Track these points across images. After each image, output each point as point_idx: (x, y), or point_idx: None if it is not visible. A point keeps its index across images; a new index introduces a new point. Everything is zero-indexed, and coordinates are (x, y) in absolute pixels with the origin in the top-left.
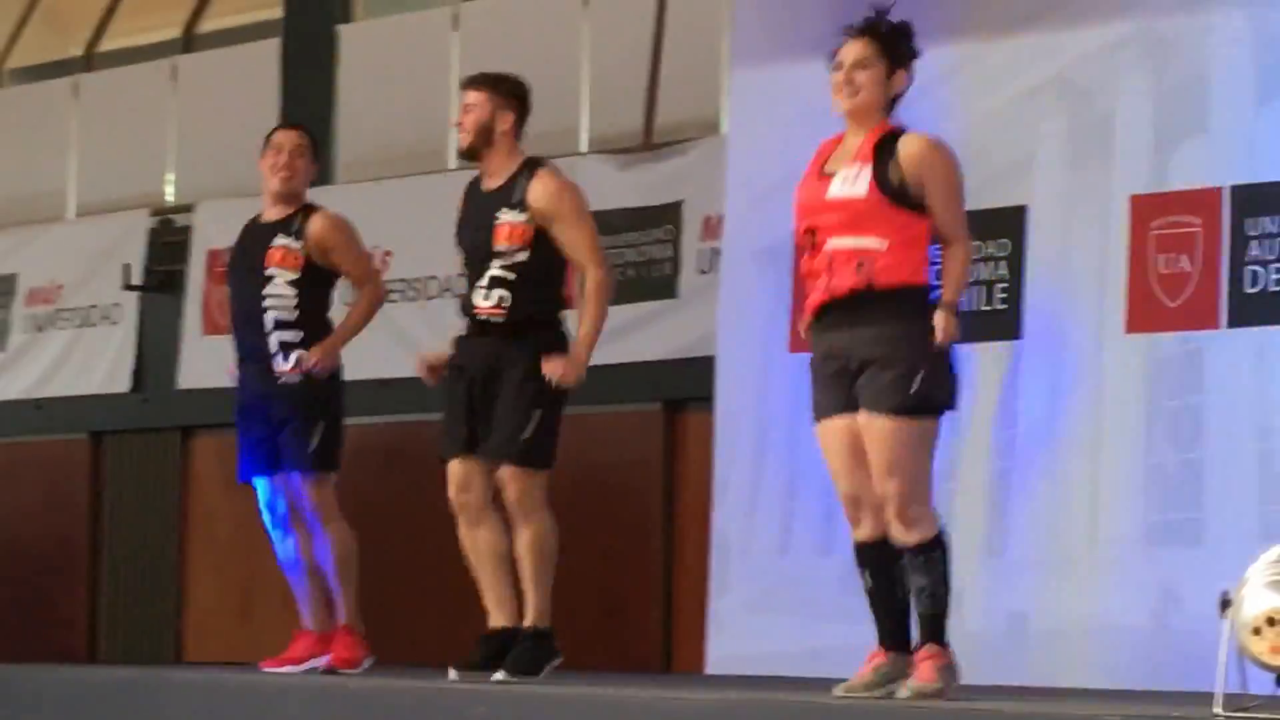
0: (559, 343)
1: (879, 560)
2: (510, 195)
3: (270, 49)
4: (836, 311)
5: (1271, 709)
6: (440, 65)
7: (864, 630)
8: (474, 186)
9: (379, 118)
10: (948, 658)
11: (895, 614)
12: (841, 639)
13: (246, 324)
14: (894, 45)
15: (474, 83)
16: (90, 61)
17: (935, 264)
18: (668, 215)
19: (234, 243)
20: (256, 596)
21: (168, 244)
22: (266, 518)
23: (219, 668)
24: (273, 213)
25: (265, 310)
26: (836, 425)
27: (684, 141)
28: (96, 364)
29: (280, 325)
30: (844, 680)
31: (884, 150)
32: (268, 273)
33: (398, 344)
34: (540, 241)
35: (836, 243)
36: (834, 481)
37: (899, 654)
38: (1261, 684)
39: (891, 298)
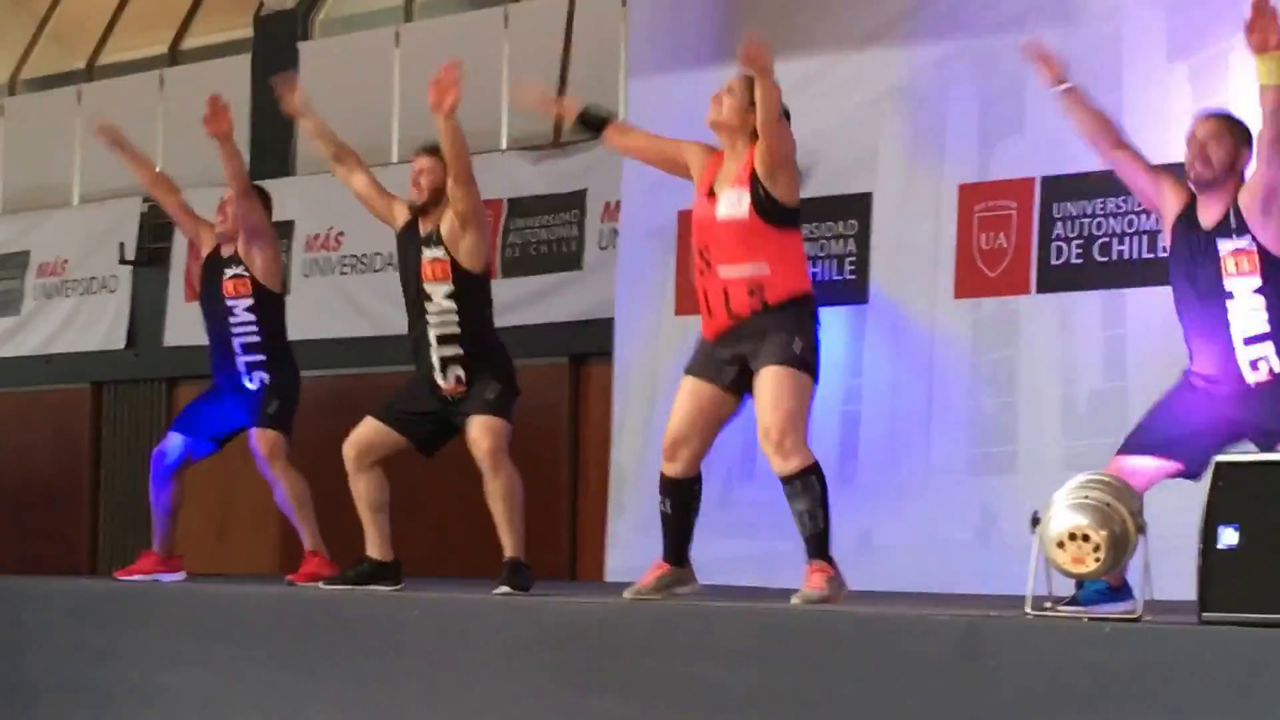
0: (503, 358)
1: (681, 493)
2: (433, 236)
3: (242, 63)
4: (735, 333)
5: (1069, 609)
6: (384, 76)
7: (735, 545)
8: (409, 227)
9: (333, 120)
10: (833, 570)
11: (681, 538)
12: (714, 553)
13: (219, 346)
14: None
15: (430, 151)
16: (90, 73)
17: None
18: (574, 201)
19: (201, 267)
20: (230, 521)
21: (156, 226)
22: (157, 460)
23: (198, 580)
24: (225, 250)
25: (233, 338)
26: (698, 385)
27: (587, 140)
28: (96, 325)
29: (247, 349)
30: (715, 585)
31: (756, 176)
32: (227, 303)
33: (350, 309)
34: (460, 276)
35: (728, 271)
36: (669, 421)
37: (679, 568)
38: (1063, 587)
39: (781, 309)
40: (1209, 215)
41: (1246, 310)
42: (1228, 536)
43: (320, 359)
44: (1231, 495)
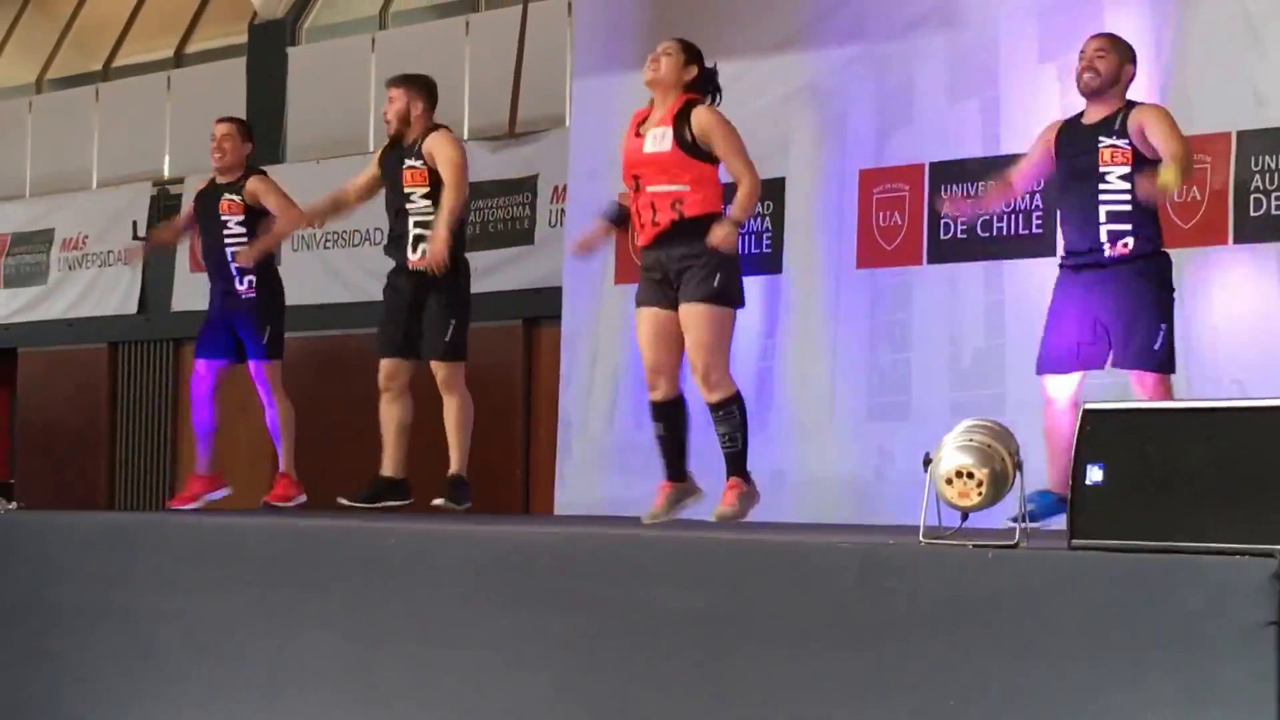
0: (464, 273)
1: (669, 415)
2: (412, 150)
3: (239, 65)
4: (660, 238)
5: (958, 537)
6: (363, 77)
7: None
8: (388, 150)
9: (318, 116)
10: (748, 487)
11: (678, 455)
12: (648, 489)
13: (212, 258)
14: (693, 51)
15: (395, 82)
16: (106, 74)
17: None
18: (527, 185)
19: (194, 200)
20: (226, 462)
21: (165, 207)
22: (195, 388)
23: (199, 512)
24: (221, 179)
25: (226, 247)
26: (650, 312)
27: (539, 131)
28: (112, 293)
29: (236, 256)
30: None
31: (681, 117)
32: (222, 219)
33: (333, 279)
34: (438, 184)
35: (654, 189)
36: (641, 353)
37: (681, 483)
38: (951, 519)
39: (697, 224)
40: (1094, 116)
41: (1114, 191)
42: (1094, 474)
43: (305, 322)
44: (1097, 438)
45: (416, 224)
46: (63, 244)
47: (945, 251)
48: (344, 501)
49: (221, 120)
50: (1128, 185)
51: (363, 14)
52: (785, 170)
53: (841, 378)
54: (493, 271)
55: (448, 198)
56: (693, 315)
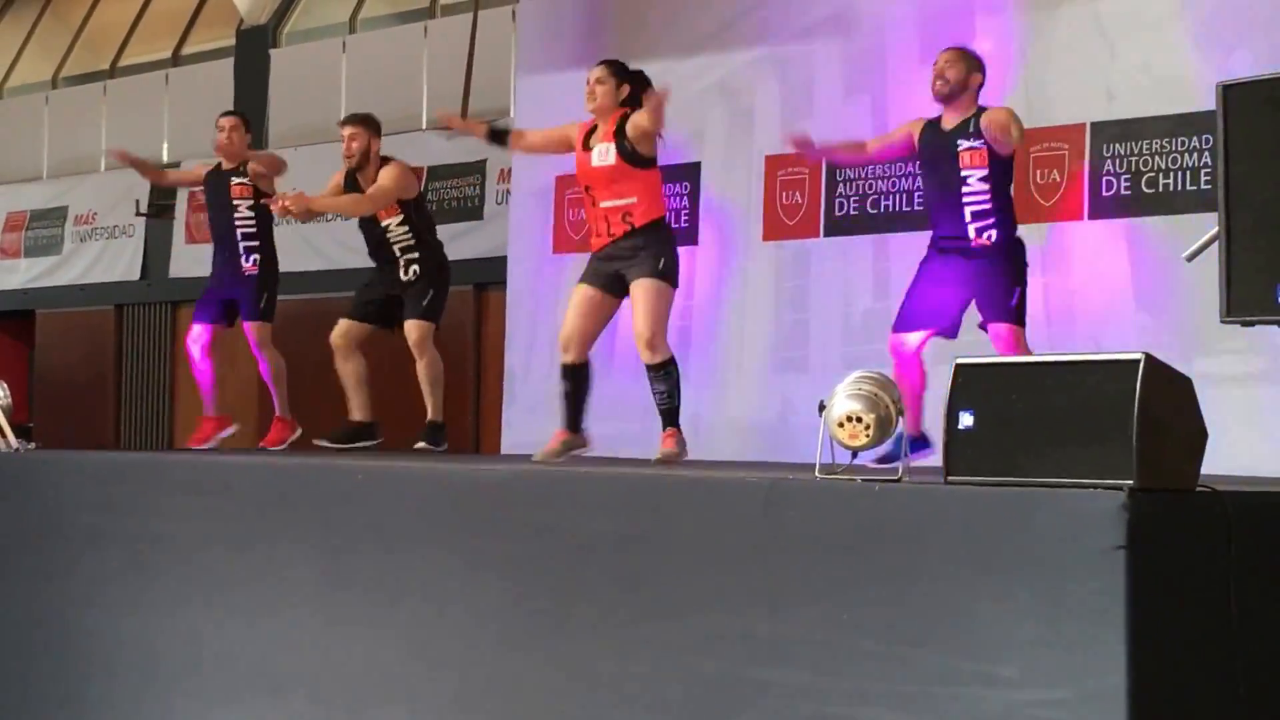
0: (441, 262)
1: (576, 376)
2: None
3: (227, 65)
4: (613, 245)
5: (849, 473)
6: (335, 76)
7: (599, 426)
8: (352, 186)
9: (296, 110)
10: (681, 435)
11: (577, 410)
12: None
13: (224, 236)
14: (621, 69)
15: (354, 120)
16: (113, 73)
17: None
18: (476, 168)
19: (203, 182)
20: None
21: (163, 187)
22: (191, 347)
23: (196, 452)
24: (227, 165)
25: (236, 228)
26: (586, 289)
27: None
28: (118, 262)
29: (246, 237)
30: (592, 459)
31: (620, 129)
32: (234, 203)
33: (309, 250)
34: (403, 207)
35: (607, 204)
36: (565, 320)
37: (576, 434)
38: (843, 457)
39: (646, 229)
40: (950, 121)
41: (975, 193)
42: (965, 420)
43: (286, 287)
44: (967, 388)
45: (401, 250)
46: (75, 219)
47: (839, 226)
48: (320, 443)
49: (227, 115)
50: (987, 186)
51: (335, 20)
52: (701, 155)
53: (749, 335)
54: (447, 243)
55: (366, 198)
56: (642, 289)
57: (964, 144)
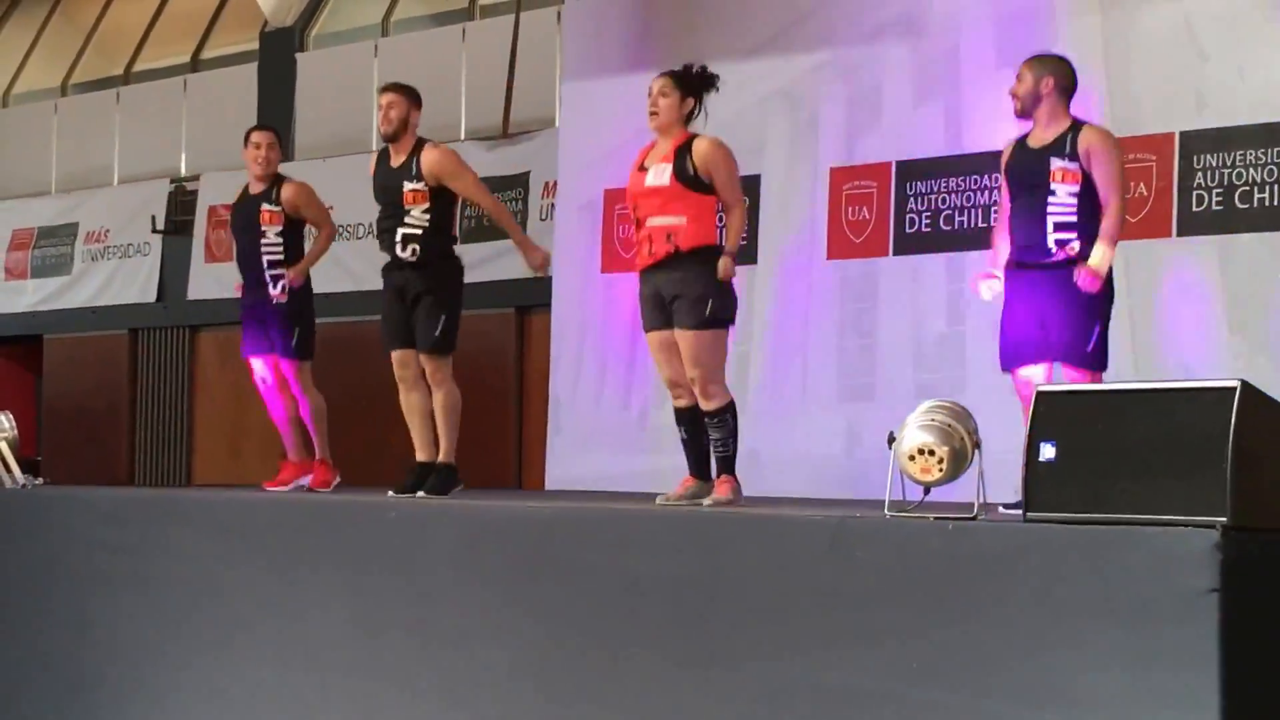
0: (455, 271)
1: (691, 420)
2: (410, 170)
3: (250, 70)
4: (656, 267)
5: (921, 510)
6: (366, 82)
7: (650, 460)
8: (383, 160)
9: (324, 117)
10: (735, 482)
11: (700, 455)
12: (635, 466)
13: (248, 263)
14: (686, 81)
15: (394, 88)
16: (127, 78)
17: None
18: (519, 181)
19: (232, 207)
20: (241, 442)
21: (182, 202)
22: (262, 386)
23: (216, 488)
24: (256, 187)
25: (262, 255)
26: (657, 336)
27: (530, 131)
28: (132, 283)
29: (272, 264)
30: (643, 494)
31: (682, 151)
32: (261, 229)
33: (338, 270)
34: (436, 198)
35: (653, 222)
36: (658, 370)
37: (702, 481)
38: (914, 493)
39: (691, 254)
40: (1041, 138)
41: (1061, 204)
42: (1046, 451)
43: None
44: (1049, 418)
45: (409, 224)
46: (86, 237)
47: (910, 244)
48: (393, 496)
49: (260, 129)
50: (1075, 201)
51: (366, 22)
52: (761, 168)
53: (813, 362)
54: (488, 262)
55: (504, 218)
56: (686, 341)
57: (1058, 163)
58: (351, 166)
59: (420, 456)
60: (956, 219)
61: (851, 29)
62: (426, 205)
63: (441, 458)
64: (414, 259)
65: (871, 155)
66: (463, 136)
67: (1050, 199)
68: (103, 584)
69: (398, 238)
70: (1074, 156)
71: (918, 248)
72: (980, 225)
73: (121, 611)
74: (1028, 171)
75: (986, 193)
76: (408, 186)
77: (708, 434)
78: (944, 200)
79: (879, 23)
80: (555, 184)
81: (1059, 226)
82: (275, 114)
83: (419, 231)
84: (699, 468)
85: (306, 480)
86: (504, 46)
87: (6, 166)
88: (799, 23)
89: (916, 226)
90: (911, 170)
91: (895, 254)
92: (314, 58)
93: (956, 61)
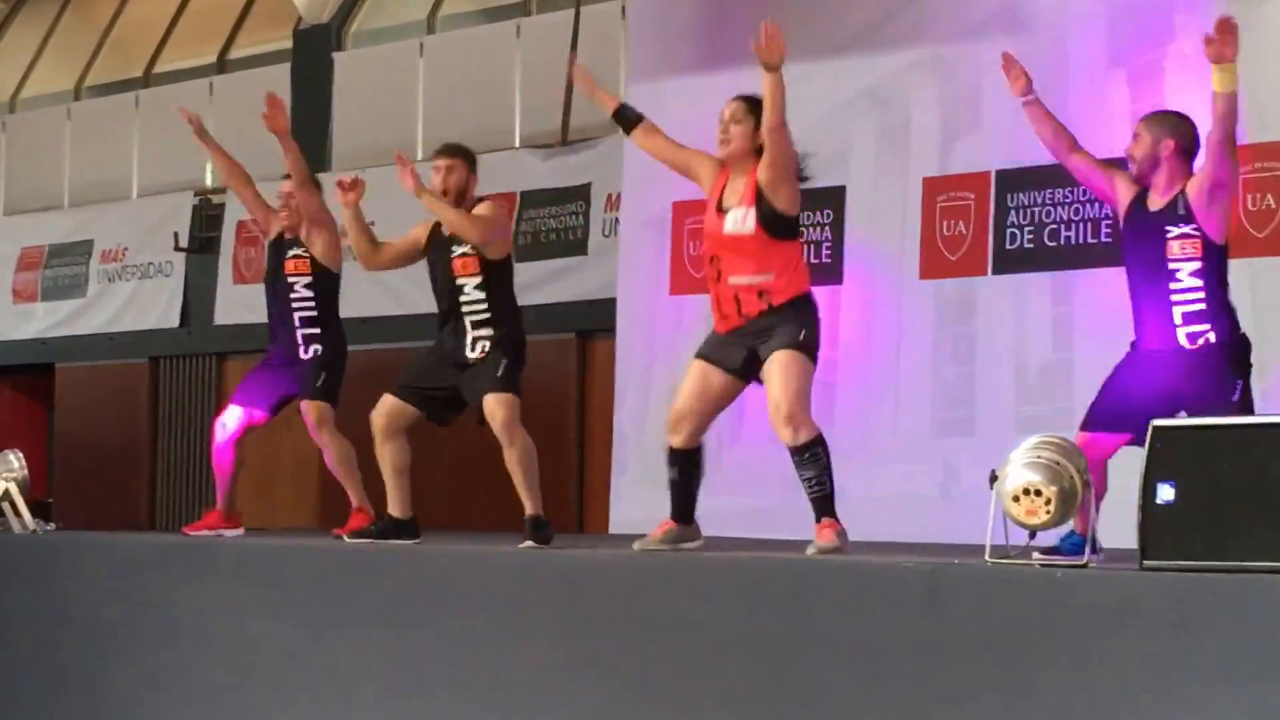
0: (519, 340)
1: (685, 462)
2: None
3: (283, 71)
4: (746, 325)
5: (1025, 556)
6: (410, 84)
7: (725, 501)
8: (437, 230)
9: (364, 123)
10: (839, 525)
11: (686, 499)
12: (708, 507)
13: (280, 321)
14: (759, 105)
15: (452, 153)
16: (147, 81)
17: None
18: (580, 193)
19: (267, 251)
20: (271, 481)
21: (207, 217)
22: (218, 432)
23: (248, 535)
24: (288, 234)
25: (294, 313)
26: (706, 369)
27: (592, 139)
28: (153, 306)
29: (305, 323)
30: (717, 539)
31: (761, 192)
32: (289, 280)
33: (379, 290)
34: (487, 270)
35: (737, 280)
36: (676, 398)
37: (685, 525)
38: (1018, 537)
39: (784, 308)
40: (1157, 201)
41: (1187, 290)
42: (1164, 493)
43: (352, 336)
44: (1167, 456)
45: (474, 323)
46: (102, 255)
47: (1011, 261)
48: (348, 540)
49: (286, 177)
50: (1200, 282)
51: (410, 18)
52: (845, 178)
53: (904, 392)
54: (545, 283)
55: (471, 216)
56: (781, 360)
57: (1173, 230)
58: (393, 179)
59: (392, 510)
60: (1063, 234)
61: (947, 24)
62: (479, 279)
63: (531, 510)
64: (483, 358)
65: (969, 163)
66: (517, 144)
67: (1173, 285)
68: (120, 640)
69: (468, 340)
70: (1188, 216)
71: (1020, 266)
72: (1089, 240)
73: (140, 670)
74: (1145, 247)
75: (1095, 205)
76: (456, 250)
77: (698, 478)
78: (1049, 213)
79: (978, 17)
80: (619, 196)
81: (1188, 318)
82: (310, 119)
83: (486, 316)
84: (683, 512)
85: (229, 533)
86: (563, 44)
87: (14, 178)
88: (890, 17)
89: (1018, 242)
90: (1013, 180)
91: (995, 273)
92: (353, 57)
93: (1064, 60)
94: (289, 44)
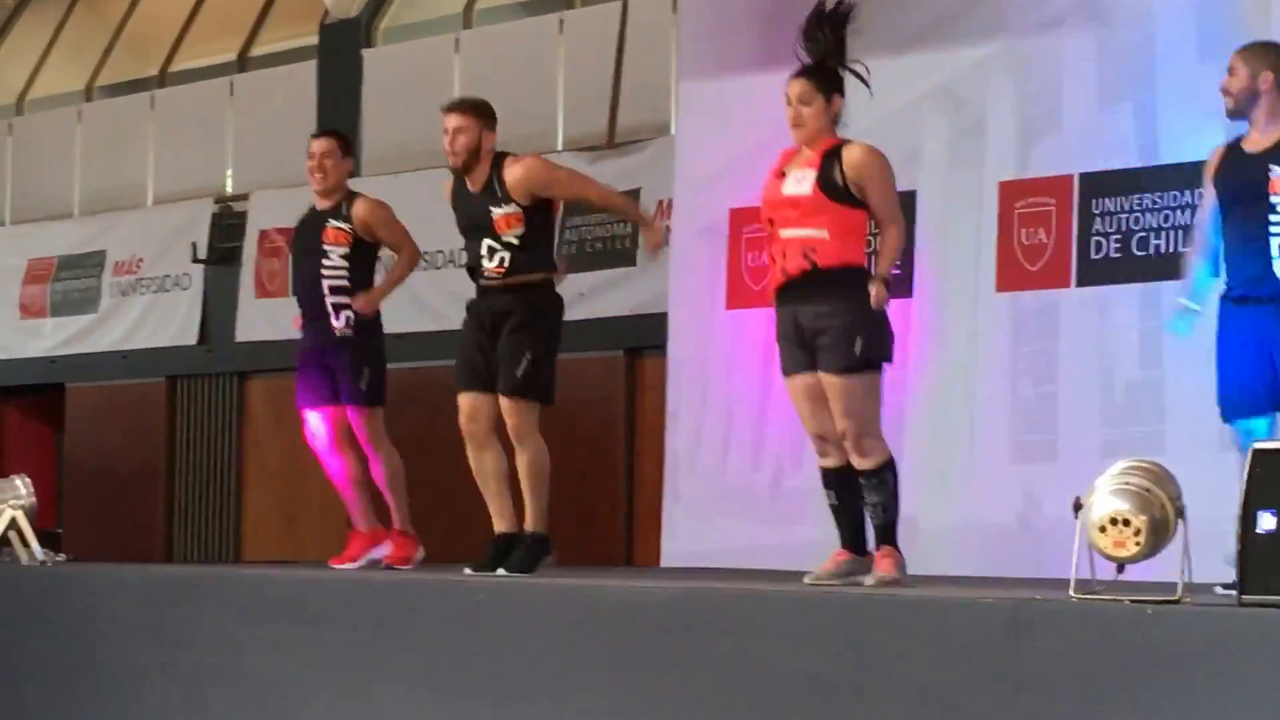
0: (551, 298)
1: (841, 482)
2: (495, 193)
3: (309, 69)
4: (791, 289)
5: (1113, 591)
6: (445, 82)
7: (785, 531)
8: (460, 186)
9: (395, 124)
10: (900, 557)
11: (855, 524)
12: (768, 538)
13: (307, 290)
14: (827, 79)
15: (461, 108)
16: (163, 79)
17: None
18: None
19: (294, 229)
20: (299, 509)
21: (228, 226)
22: (314, 443)
23: (270, 565)
24: (322, 203)
25: (322, 279)
26: (800, 381)
27: (641, 141)
28: (170, 322)
29: (334, 291)
30: (777, 571)
31: (830, 158)
32: (324, 249)
33: (412, 305)
34: (530, 218)
35: (788, 233)
36: (803, 423)
37: (857, 555)
38: (1105, 570)
39: (832, 276)
40: (1258, 143)
41: None
42: (1266, 521)
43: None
44: (1269, 481)
45: (500, 244)
46: (115, 268)
47: (1096, 272)
48: (469, 573)
49: (320, 135)
50: None
51: (445, 11)
52: (916, 183)
53: (981, 414)
54: (591, 296)
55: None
56: (834, 388)
57: (1277, 169)
58: (427, 182)
59: (499, 526)
60: (1152, 242)
61: (1025, 16)
62: (522, 229)
63: (529, 526)
64: (500, 270)
65: (1049, 167)
66: (560, 147)
67: (1272, 218)
68: (135, 678)
69: (483, 249)
70: None
71: (1105, 277)
72: (1179, 250)
73: (157, 711)
74: (1244, 184)
75: (1187, 211)
76: (497, 212)
77: (862, 498)
78: (1137, 220)
79: (1058, 9)
80: (671, 203)
81: None
82: (338, 120)
83: (512, 244)
84: (854, 539)
85: (380, 553)
86: (609, 40)
87: (22, 184)
88: (963, 10)
89: (1104, 251)
90: (1098, 184)
91: (1078, 285)
92: (383, 54)
93: (1151, 55)
94: (315, 40)
